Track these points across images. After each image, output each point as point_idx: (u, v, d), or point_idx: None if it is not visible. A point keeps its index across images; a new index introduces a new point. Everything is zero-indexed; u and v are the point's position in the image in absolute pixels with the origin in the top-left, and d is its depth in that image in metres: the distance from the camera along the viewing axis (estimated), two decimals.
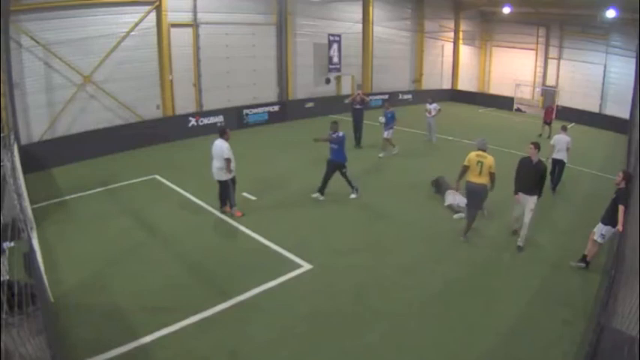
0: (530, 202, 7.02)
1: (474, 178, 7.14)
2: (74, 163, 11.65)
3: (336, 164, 9.05)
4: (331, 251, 7.06)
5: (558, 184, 10.25)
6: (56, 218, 8.26)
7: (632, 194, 6.20)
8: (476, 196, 7.26)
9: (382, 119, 12.81)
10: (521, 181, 7.09)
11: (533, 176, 6.96)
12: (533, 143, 7.05)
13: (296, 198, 9.41)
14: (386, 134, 12.83)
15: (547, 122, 16.55)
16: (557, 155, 9.99)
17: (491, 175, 7.05)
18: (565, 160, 10.01)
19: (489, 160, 7.04)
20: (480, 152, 7.15)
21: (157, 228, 7.89)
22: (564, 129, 10.41)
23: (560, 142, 9.95)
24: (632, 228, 5.11)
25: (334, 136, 8.91)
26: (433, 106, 14.49)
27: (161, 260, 6.73)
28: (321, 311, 5.51)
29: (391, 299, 5.80)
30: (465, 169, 7.20)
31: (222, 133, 8.04)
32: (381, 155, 12.84)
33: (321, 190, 9.22)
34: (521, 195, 7.12)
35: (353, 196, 9.37)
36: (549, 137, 15.20)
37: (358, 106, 13.71)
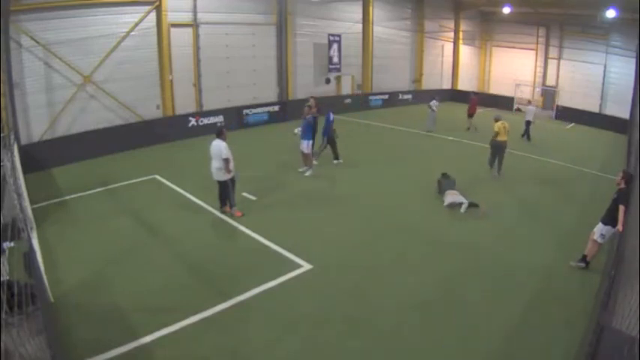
0: None
1: (501, 137, 10.95)
2: (74, 163, 11.65)
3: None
4: (331, 251, 7.06)
5: (529, 135, 15.82)
6: (56, 218, 8.25)
7: (632, 194, 6.20)
8: (502, 149, 11.08)
9: (298, 130, 10.71)
10: None
11: None
12: None
13: (296, 198, 9.42)
14: (306, 146, 10.62)
15: (470, 115, 17.03)
16: (527, 118, 16.01)
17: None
18: (532, 120, 15.89)
19: (508, 124, 11.14)
20: (503, 121, 11.07)
21: (157, 228, 7.89)
22: (530, 103, 17.13)
23: (529, 111, 16.15)
24: (632, 228, 5.10)
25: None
26: (436, 103, 16.63)
27: (161, 260, 6.73)
28: (321, 311, 5.51)
29: (391, 299, 5.79)
30: (497, 134, 10.88)
31: (220, 134, 8.02)
32: (301, 170, 11.03)
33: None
34: None
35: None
36: (476, 129, 16.32)
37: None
